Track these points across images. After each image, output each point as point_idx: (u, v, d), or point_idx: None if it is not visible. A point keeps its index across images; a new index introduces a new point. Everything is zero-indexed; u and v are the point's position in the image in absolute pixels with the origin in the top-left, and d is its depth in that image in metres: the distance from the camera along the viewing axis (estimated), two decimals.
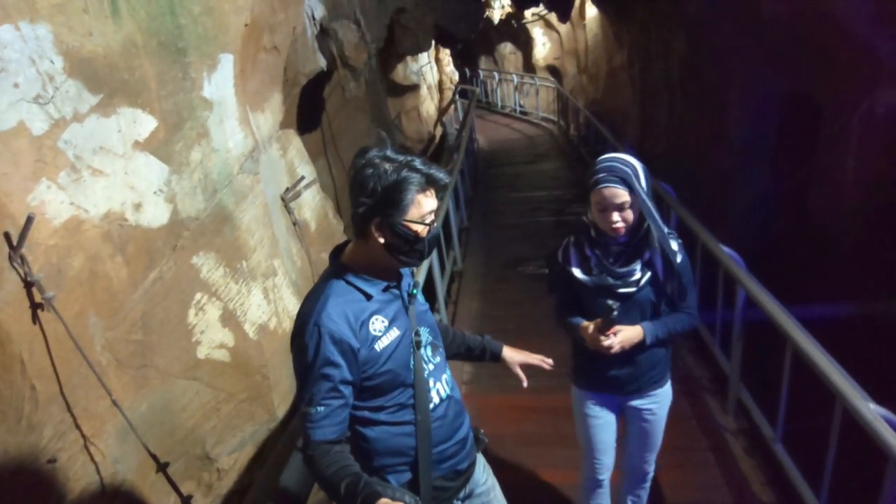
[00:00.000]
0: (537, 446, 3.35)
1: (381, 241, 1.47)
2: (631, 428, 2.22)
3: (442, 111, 14.87)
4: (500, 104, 17.66)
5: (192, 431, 3.05)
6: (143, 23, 2.55)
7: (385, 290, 1.54)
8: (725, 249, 3.33)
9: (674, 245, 1.95)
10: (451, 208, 6.18)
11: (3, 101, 2.13)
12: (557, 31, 16.13)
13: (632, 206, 1.87)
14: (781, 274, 4.99)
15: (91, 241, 2.49)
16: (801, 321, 2.69)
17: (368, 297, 1.50)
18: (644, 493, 2.39)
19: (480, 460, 1.82)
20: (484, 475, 1.81)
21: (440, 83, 16.64)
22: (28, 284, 2.24)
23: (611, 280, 1.96)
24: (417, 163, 1.45)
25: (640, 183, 1.87)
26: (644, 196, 1.87)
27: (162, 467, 2.61)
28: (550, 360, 1.94)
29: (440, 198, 1.58)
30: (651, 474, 2.32)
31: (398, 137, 11.07)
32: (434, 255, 4.59)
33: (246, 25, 3.06)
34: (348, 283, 1.49)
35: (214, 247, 3.00)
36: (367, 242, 1.50)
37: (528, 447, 3.36)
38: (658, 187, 4.88)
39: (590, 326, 1.98)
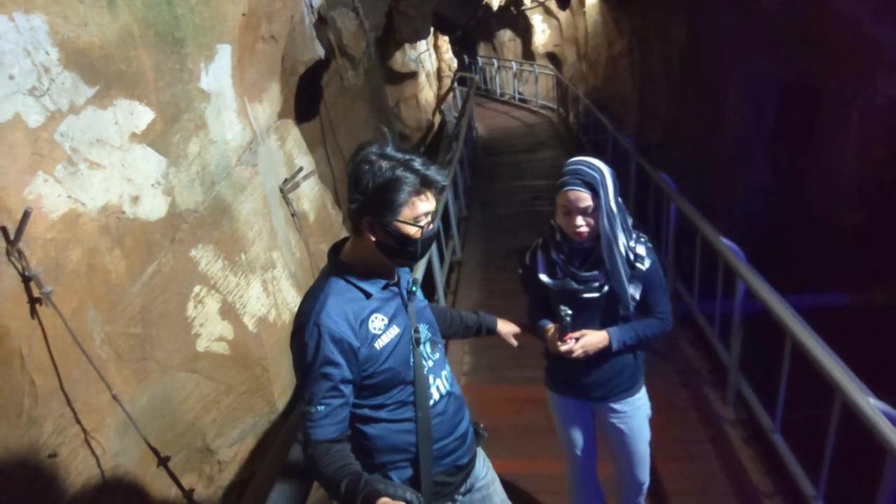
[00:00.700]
0: (535, 436, 3.36)
1: (373, 239, 1.47)
2: (609, 437, 2.20)
3: (441, 99, 14.79)
4: (499, 92, 17.57)
5: (192, 424, 3.05)
6: (139, 13, 2.52)
7: (384, 287, 1.53)
8: (725, 241, 3.32)
9: (640, 250, 1.93)
10: (450, 198, 6.16)
11: None
12: (557, 18, 16.00)
13: (596, 211, 1.86)
14: (780, 263, 5.00)
15: (89, 234, 2.48)
16: (800, 310, 2.70)
17: (368, 295, 1.49)
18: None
19: (480, 455, 1.82)
20: (484, 469, 1.82)
21: (439, 71, 16.53)
22: (26, 279, 2.23)
23: (574, 284, 1.95)
24: (416, 163, 1.43)
25: (605, 189, 1.86)
26: (610, 202, 1.86)
27: (163, 461, 2.62)
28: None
29: (438, 198, 1.56)
30: (645, 485, 2.26)
31: (397, 126, 11.02)
32: (433, 245, 4.59)
33: (243, 15, 3.02)
34: (347, 281, 1.49)
35: (213, 239, 2.98)
36: (362, 240, 1.50)
37: (527, 437, 3.37)
38: (658, 178, 4.87)
39: (550, 330, 2.00)
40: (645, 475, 2.23)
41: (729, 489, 2.82)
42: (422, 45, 13.08)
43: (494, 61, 18.20)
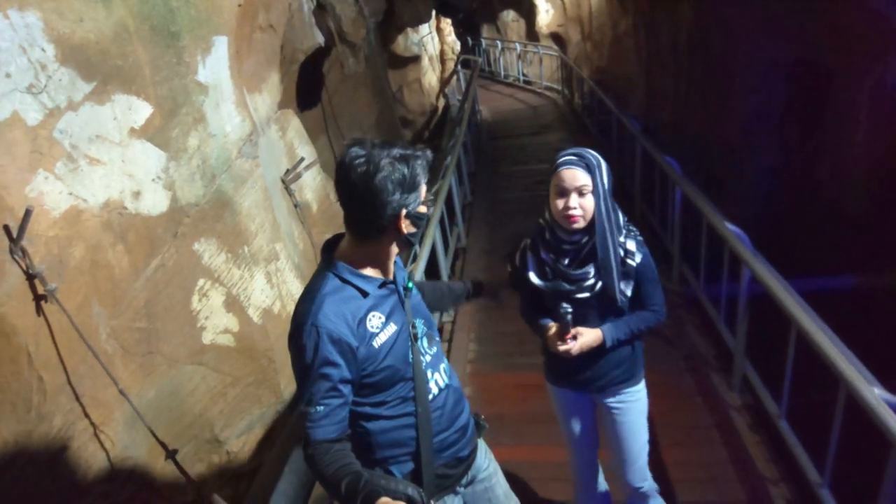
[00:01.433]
0: (541, 423, 3.35)
1: (405, 231, 1.49)
2: (606, 428, 2.17)
3: (444, 82, 14.67)
4: (503, 73, 17.37)
5: (200, 416, 3.08)
6: (134, 7, 2.50)
7: (381, 286, 1.52)
8: (731, 227, 3.29)
9: (631, 245, 1.89)
10: (454, 184, 6.13)
11: None
12: None
13: (591, 195, 1.81)
14: (790, 246, 4.95)
15: (91, 230, 2.49)
16: (808, 293, 2.67)
17: (365, 294, 1.49)
18: None
19: (482, 446, 1.83)
20: (485, 461, 1.82)
21: (442, 54, 16.37)
22: (30, 277, 2.25)
23: (566, 285, 1.91)
24: (410, 151, 1.47)
25: (602, 174, 1.83)
26: (606, 189, 1.83)
27: (170, 454, 2.65)
28: None
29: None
30: (645, 479, 2.19)
31: (399, 110, 10.95)
32: (437, 232, 4.57)
33: (239, 5, 2.99)
34: (344, 280, 1.48)
35: (215, 232, 2.99)
36: (381, 240, 1.49)
37: (533, 424, 3.38)
38: (662, 162, 4.82)
39: (551, 329, 1.98)
40: (645, 480, 2.19)
41: (734, 475, 2.82)
42: (424, 28, 12.95)
43: (498, 43, 17.97)
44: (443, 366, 1.65)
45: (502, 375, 3.94)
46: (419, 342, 1.56)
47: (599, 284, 1.88)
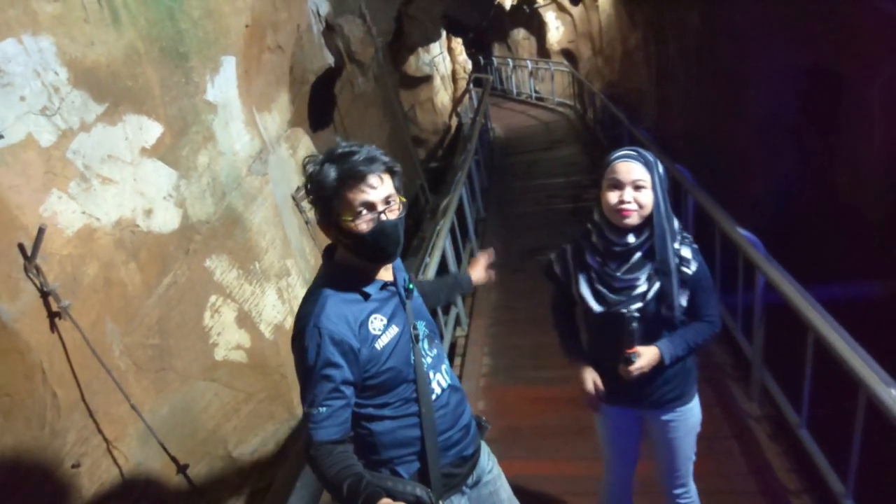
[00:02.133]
0: (557, 437, 3.32)
1: (338, 243, 1.48)
2: (653, 441, 2.08)
3: (456, 101, 14.78)
4: (515, 91, 17.49)
5: (213, 432, 3.09)
6: (143, 29, 2.56)
7: (382, 287, 1.53)
8: (744, 233, 3.25)
9: (686, 252, 1.77)
10: (466, 200, 6.15)
11: (10, 115, 2.16)
12: (570, 14, 15.87)
13: (648, 191, 1.70)
14: (805, 253, 4.87)
15: (104, 248, 2.53)
16: (826, 301, 2.61)
17: (366, 296, 1.49)
18: None
19: (485, 448, 1.81)
20: (489, 463, 1.81)
21: (454, 73, 16.51)
22: (45, 294, 2.28)
23: (612, 296, 1.78)
24: (351, 157, 1.40)
25: (659, 172, 1.73)
26: (662, 189, 1.72)
27: (182, 470, 2.65)
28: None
29: (397, 184, 1.49)
30: (686, 484, 2.14)
31: (412, 130, 11.04)
32: (449, 247, 4.58)
33: (247, 26, 3.05)
34: (345, 282, 1.49)
35: (226, 249, 3.02)
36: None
37: (548, 438, 3.34)
38: (673, 170, 4.79)
39: (587, 379, 1.91)
40: (683, 477, 2.11)
41: (755, 487, 2.75)
42: (435, 48, 13.10)
43: (509, 61, 18.12)
44: (444, 366, 1.65)
45: (516, 389, 3.91)
46: (420, 344, 1.56)
47: (652, 292, 1.76)
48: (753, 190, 6.07)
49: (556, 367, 3.95)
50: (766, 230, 4.13)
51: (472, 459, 1.71)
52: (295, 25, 3.85)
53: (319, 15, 4.61)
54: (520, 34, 19.04)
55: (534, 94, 16.33)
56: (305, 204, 3.87)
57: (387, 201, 1.44)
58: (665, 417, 1.97)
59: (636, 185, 1.70)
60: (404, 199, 1.51)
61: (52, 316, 2.32)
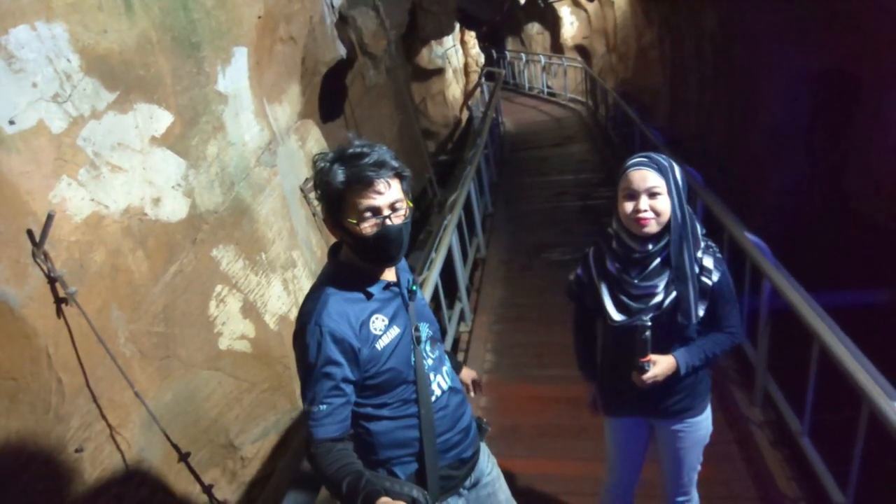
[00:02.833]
0: (558, 437, 3.32)
1: (344, 241, 1.48)
2: (659, 448, 2.07)
3: (468, 94, 14.74)
4: (527, 86, 17.42)
5: (215, 421, 3.11)
6: (156, 18, 2.56)
7: (385, 287, 1.53)
8: (752, 238, 3.22)
9: (707, 262, 1.73)
10: (475, 195, 6.13)
11: (23, 101, 2.17)
12: (585, 10, 15.77)
13: (664, 197, 1.67)
14: (816, 258, 4.83)
15: (112, 236, 2.54)
16: (836, 308, 2.58)
17: (369, 296, 1.49)
18: None
19: (484, 450, 1.81)
20: (489, 465, 1.81)
21: (466, 66, 16.46)
22: (52, 280, 2.30)
23: (632, 304, 1.75)
24: (361, 159, 1.39)
25: (675, 177, 1.68)
26: (681, 192, 1.68)
27: (183, 457, 2.67)
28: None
29: (405, 188, 1.48)
30: (688, 500, 2.14)
31: (423, 122, 11.02)
32: (455, 242, 4.57)
33: (259, 17, 3.05)
34: (348, 281, 1.49)
35: (233, 239, 3.03)
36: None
37: (548, 437, 3.34)
38: (683, 171, 4.76)
39: (592, 399, 2.01)
40: (686, 485, 2.10)
41: (754, 493, 2.75)
42: (448, 41, 13.05)
43: (522, 55, 18.03)
44: (445, 368, 1.65)
45: (518, 387, 3.91)
46: (422, 345, 1.56)
47: (668, 301, 1.73)
48: (765, 194, 6.02)
49: (559, 366, 3.95)
50: (777, 234, 4.11)
51: (471, 462, 1.71)
52: (308, 17, 3.85)
53: (333, 6, 4.60)
54: (534, 29, 18.93)
55: (546, 90, 16.26)
56: (313, 196, 3.87)
57: (393, 207, 1.43)
58: (674, 427, 1.95)
59: (651, 192, 1.67)
60: (411, 204, 1.51)
61: (59, 302, 2.34)
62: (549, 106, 15.10)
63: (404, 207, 1.46)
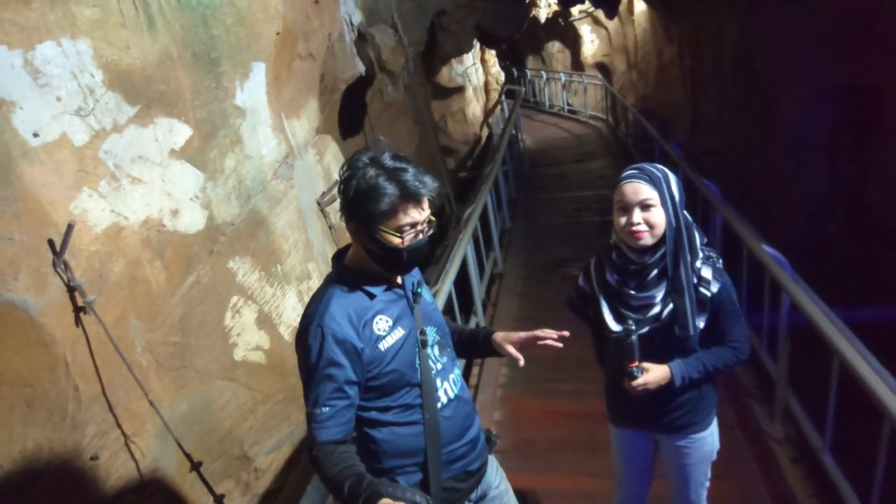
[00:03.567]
0: (572, 452, 3.27)
1: (361, 245, 1.49)
2: (665, 465, 2.04)
3: (488, 112, 14.82)
4: (548, 103, 17.49)
5: (230, 431, 3.13)
6: (177, 35, 2.63)
7: (388, 289, 1.53)
8: (771, 252, 3.17)
9: (706, 273, 1.71)
10: (492, 209, 6.14)
11: (47, 115, 2.24)
12: (606, 28, 15.82)
13: (658, 209, 1.66)
14: (838, 273, 4.73)
15: (131, 246, 2.59)
16: (858, 323, 2.52)
17: (371, 296, 1.50)
18: None
19: (493, 462, 1.79)
20: (497, 478, 1.78)
21: (486, 84, 16.58)
22: (71, 289, 2.35)
23: (631, 315, 1.74)
24: (403, 173, 1.42)
25: (669, 187, 1.68)
26: (675, 202, 1.68)
27: (195, 467, 2.69)
28: (559, 334, 1.68)
29: (433, 209, 1.53)
30: None
31: (443, 140, 11.09)
32: (471, 256, 4.57)
33: (278, 34, 3.12)
34: (351, 283, 1.50)
35: (250, 251, 3.07)
36: (357, 245, 1.52)
37: (562, 453, 3.29)
38: (702, 186, 4.71)
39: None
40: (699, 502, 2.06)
41: None
42: (468, 59, 13.18)
43: (543, 73, 18.13)
44: (453, 376, 1.63)
45: (533, 401, 3.87)
46: (430, 349, 1.56)
47: (666, 312, 1.72)
48: (786, 207, 5.93)
49: (574, 381, 3.91)
50: (799, 248, 4.03)
51: (478, 474, 1.68)
52: (326, 34, 3.92)
53: (352, 24, 4.69)
54: (554, 47, 19.04)
55: (566, 107, 16.30)
56: (329, 209, 3.92)
57: (427, 221, 1.49)
58: (678, 443, 1.92)
59: (644, 205, 1.67)
60: (434, 219, 1.54)
61: (78, 310, 2.38)
62: (569, 123, 15.13)
63: (432, 222, 1.52)
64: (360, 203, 1.43)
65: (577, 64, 17.89)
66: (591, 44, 17.15)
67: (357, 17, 4.93)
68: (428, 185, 1.44)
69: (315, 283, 3.48)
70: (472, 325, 4.58)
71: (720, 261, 1.78)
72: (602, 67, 16.61)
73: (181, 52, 2.67)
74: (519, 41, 17.15)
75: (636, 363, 1.72)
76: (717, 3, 7.37)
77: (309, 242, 3.45)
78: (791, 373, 3.08)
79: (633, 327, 1.70)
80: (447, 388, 1.60)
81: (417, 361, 1.53)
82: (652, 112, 10.68)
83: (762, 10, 6.04)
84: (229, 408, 3.10)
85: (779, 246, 3.39)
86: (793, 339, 3.01)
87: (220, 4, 2.79)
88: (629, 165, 1.79)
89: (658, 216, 1.67)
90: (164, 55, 2.61)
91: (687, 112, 9.58)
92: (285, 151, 3.27)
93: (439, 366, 1.59)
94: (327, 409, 1.41)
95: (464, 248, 4.20)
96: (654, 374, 1.73)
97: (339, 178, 1.47)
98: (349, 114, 5.61)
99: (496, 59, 17.95)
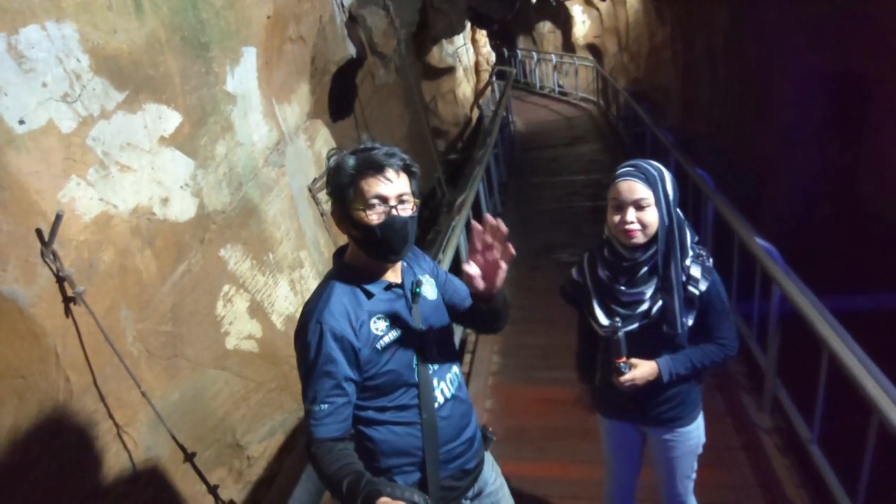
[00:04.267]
0: (564, 440, 3.30)
1: (348, 236, 1.48)
2: (652, 455, 2.07)
3: (478, 93, 14.71)
4: (538, 85, 17.36)
5: (222, 420, 3.12)
6: (165, 18, 2.57)
7: (387, 288, 1.52)
8: (762, 243, 3.19)
9: (695, 271, 1.71)
10: (483, 195, 6.12)
11: (32, 101, 2.18)
12: (597, 9, 15.68)
13: (651, 209, 1.66)
14: (827, 262, 4.78)
15: (120, 235, 2.55)
16: (848, 312, 2.55)
17: (370, 295, 1.49)
18: None
19: (489, 459, 1.80)
20: (493, 474, 1.79)
21: (477, 65, 16.43)
22: (60, 279, 2.31)
23: (621, 311, 1.75)
24: (372, 150, 1.42)
25: (664, 186, 1.68)
26: (669, 202, 1.68)
27: (189, 457, 2.68)
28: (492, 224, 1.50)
29: (413, 187, 1.48)
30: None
31: (433, 121, 11.01)
32: (463, 243, 4.56)
33: (268, 17, 3.05)
34: (350, 281, 1.49)
35: (241, 239, 3.03)
36: (350, 240, 1.51)
37: (555, 440, 3.32)
38: (694, 175, 4.72)
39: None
40: (681, 495, 2.09)
41: (762, 501, 2.71)
42: (459, 39, 13.03)
43: (534, 54, 17.97)
44: (450, 375, 1.63)
45: (525, 389, 3.89)
46: (428, 350, 1.55)
47: (655, 309, 1.73)
48: (777, 194, 5.97)
49: (566, 369, 3.87)
50: (789, 237, 4.06)
51: (475, 472, 1.69)
52: (317, 16, 3.85)
53: (343, 6, 4.60)
54: (545, 27, 18.85)
55: (557, 89, 16.19)
56: (321, 196, 3.88)
57: (400, 199, 1.43)
58: (665, 437, 1.95)
59: (638, 204, 1.67)
60: (418, 201, 1.50)
61: (67, 301, 2.35)
62: (560, 105, 15.04)
63: (412, 202, 1.46)
64: (332, 186, 1.43)
65: (568, 45, 17.74)
66: (582, 24, 17.00)
67: None
68: (393, 156, 1.42)
69: (307, 271, 3.46)
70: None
71: (710, 259, 1.79)
72: (593, 49, 16.49)
73: (169, 36, 2.61)
74: (510, 21, 16.97)
75: (624, 359, 1.73)
76: None
77: (301, 230, 3.42)
78: (781, 363, 3.12)
79: (620, 324, 1.72)
80: (444, 387, 1.59)
81: (415, 362, 1.52)
82: (643, 95, 10.64)
83: None
84: (221, 396, 3.09)
85: (768, 233, 3.41)
86: (783, 327, 3.04)
87: None
88: (625, 162, 1.78)
89: (651, 216, 1.68)
90: (151, 39, 2.55)
91: (678, 95, 9.57)
92: (277, 138, 3.22)
93: (436, 366, 1.58)
94: (326, 406, 1.40)
95: (457, 236, 4.19)
96: (641, 369, 1.75)
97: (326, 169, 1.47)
98: (339, 97, 5.54)
99: (487, 39, 17.77)
